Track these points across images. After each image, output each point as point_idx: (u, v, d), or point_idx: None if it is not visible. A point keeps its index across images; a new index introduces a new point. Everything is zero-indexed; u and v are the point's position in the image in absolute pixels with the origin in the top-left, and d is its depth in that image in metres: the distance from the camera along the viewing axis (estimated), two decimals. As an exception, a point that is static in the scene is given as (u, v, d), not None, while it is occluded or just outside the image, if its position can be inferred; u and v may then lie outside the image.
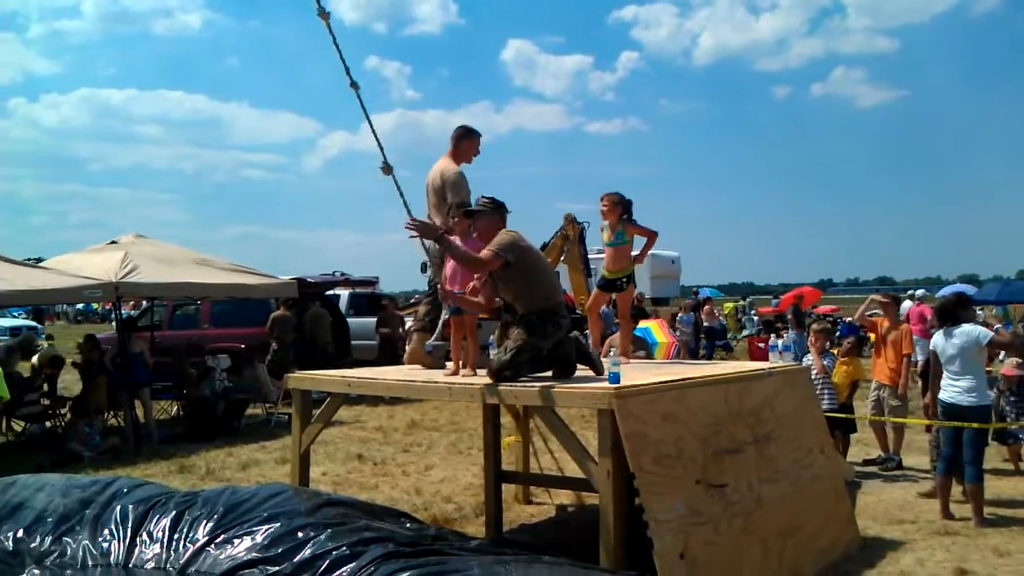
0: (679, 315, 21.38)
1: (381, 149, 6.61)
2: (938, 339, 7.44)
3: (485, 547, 4.89)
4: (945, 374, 7.34)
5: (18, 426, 12.33)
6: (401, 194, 6.46)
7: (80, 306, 46.60)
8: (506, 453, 8.03)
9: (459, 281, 5.99)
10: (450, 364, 6.27)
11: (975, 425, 7.06)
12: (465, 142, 6.98)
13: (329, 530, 4.48)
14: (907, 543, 6.53)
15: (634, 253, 7.05)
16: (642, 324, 14.69)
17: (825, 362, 8.98)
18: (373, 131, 6.55)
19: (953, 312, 7.47)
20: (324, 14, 6.40)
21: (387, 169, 6.70)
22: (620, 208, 6.89)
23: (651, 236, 7.03)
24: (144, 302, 18.97)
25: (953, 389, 7.23)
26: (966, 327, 7.36)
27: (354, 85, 6.55)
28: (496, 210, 5.91)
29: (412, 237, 5.88)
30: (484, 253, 5.47)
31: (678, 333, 19.43)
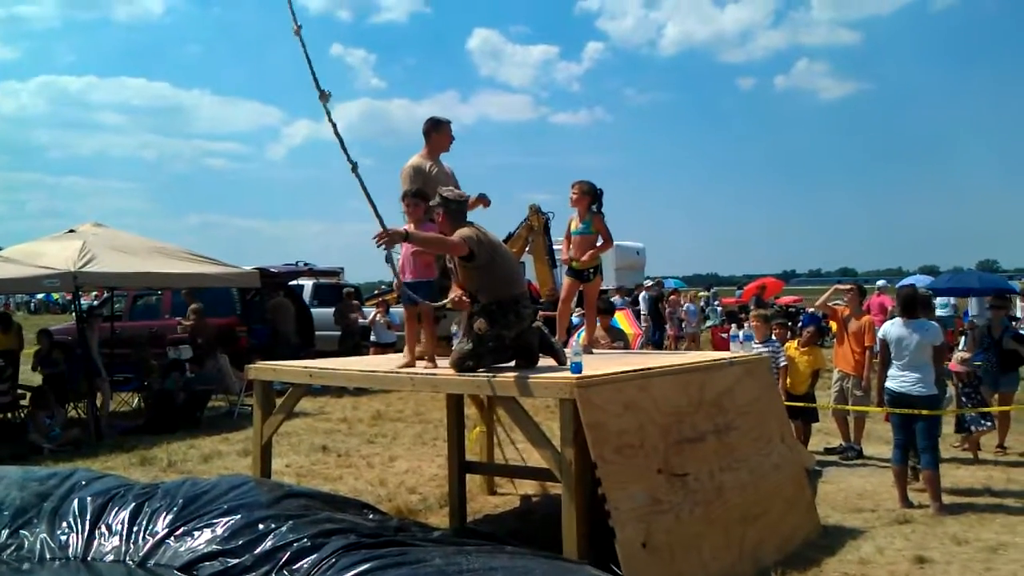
0: (642, 294, 21.52)
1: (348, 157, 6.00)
2: (893, 329, 7.53)
3: (448, 538, 4.90)
4: (894, 364, 7.45)
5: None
6: (372, 203, 5.91)
7: (40, 296, 45.98)
8: (471, 444, 8.03)
9: (410, 271, 5.99)
10: (406, 354, 6.23)
11: (925, 412, 7.18)
12: (434, 134, 6.88)
13: (290, 522, 4.46)
14: (867, 531, 6.62)
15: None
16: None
17: (767, 349, 8.97)
18: (341, 143, 5.81)
19: (916, 305, 7.60)
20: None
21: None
22: (589, 198, 6.88)
23: (608, 242, 7.02)
24: (104, 292, 18.74)
25: (903, 379, 7.35)
26: (926, 322, 7.50)
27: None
28: (455, 208, 5.83)
29: (383, 248, 5.64)
30: (452, 238, 5.45)
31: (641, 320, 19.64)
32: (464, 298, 5.60)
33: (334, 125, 5.35)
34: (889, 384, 7.48)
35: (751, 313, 10.41)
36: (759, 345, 8.93)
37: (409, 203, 6.08)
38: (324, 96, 5.40)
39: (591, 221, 6.88)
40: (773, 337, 9.28)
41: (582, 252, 6.90)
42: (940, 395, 7.67)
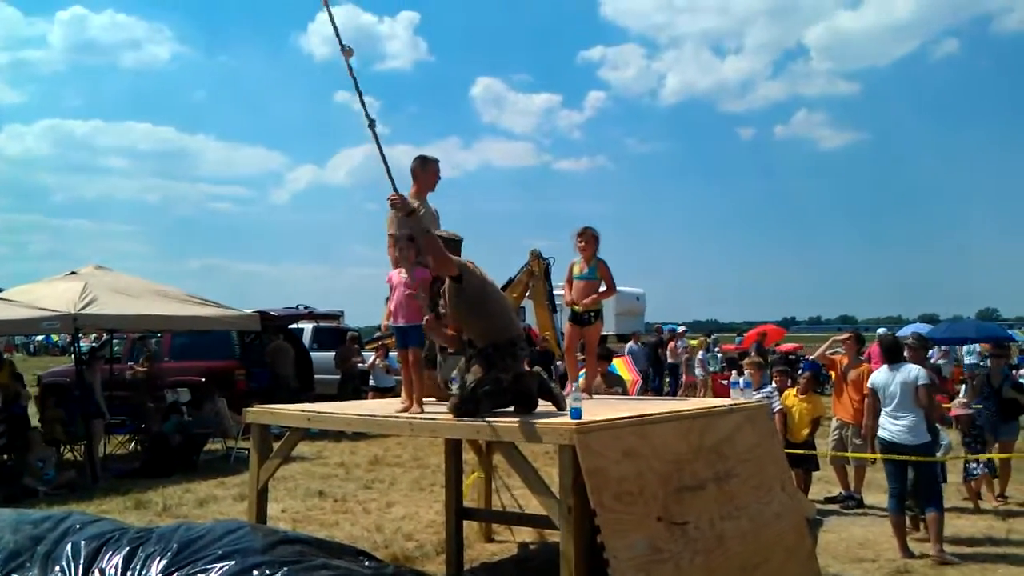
0: (630, 344, 21.59)
1: (393, 186, 6.30)
2: (880, 376, 7.55)
3: (444, 585, 4.84)
4: (884, 412, 7.44)
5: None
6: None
7: (40, 338, 45.79)
8: (469, 490, 7.97)
9: (402, 315, 5.96)
10: (403, 399, 6.20)
11: (915, 459, 7.17)
12: (421, 172, 6.76)
13: (285, 568, 4.39)
14: (867, 581, 6.55)
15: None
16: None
17: (762, 395, 8.94)
18: (385, 163, 6.18)
19: (897, 350, 7.62)
20: (348, 51, 6.15)
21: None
22: (595, 244, 6.93)
23: (611, 289, 7.05)
24: (104, 335, 18.73)
25: (895, 427, 7.34)
26: (907, 366, 7.51)
27: (371, 124, 6.12)
28: (450, 249, 5.88)
29: (392, 206, 5.94)
30: (445, 254, 5.51)
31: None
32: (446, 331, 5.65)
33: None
34: (880, 433, 7.48)
35: (747, 360, 10.39)
36: (754, 391, 8.94)
37: (403, 247, 6.05)
38: (347, 52, 6.02)
39: (596, 267, 6.90)
40: (773, 384, 9.27)
41: (584, 296, 6.92)
42: (933, 442, 7.63)
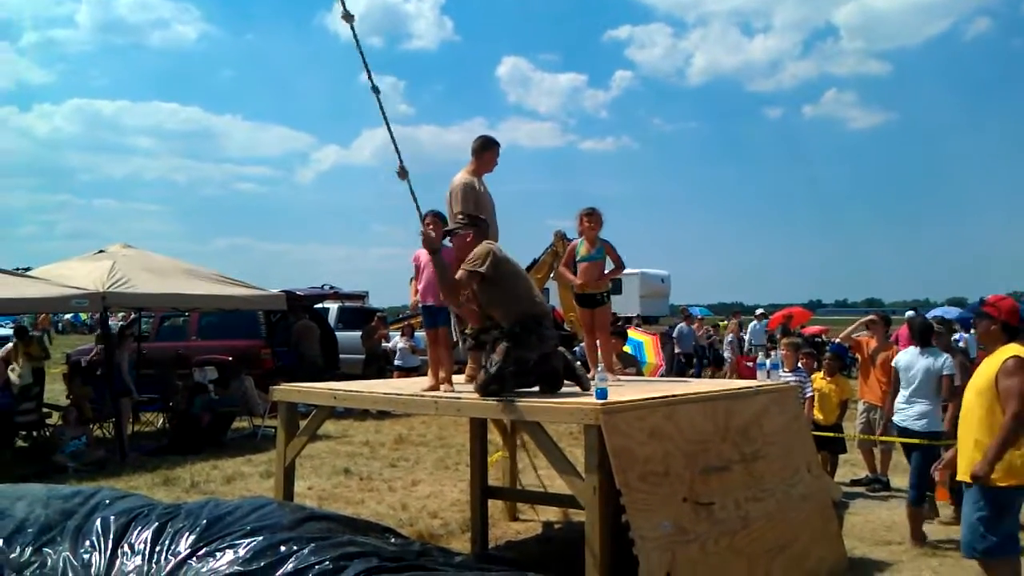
0: (680, 325, 21.50)
1: (398, 153, 6.54)
2: (904, 356, 7.46)
3: (470, 563, 4.85)
4: (901, 392, 7.37)
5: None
6: (415, 198, 6.47)
7: (68, 316, 46.22)
8: (493, 469, 7.99)
9: (432, 294, 6.05)
10: (429, 378, 6.22)
11: (917, 442, 7.10)
12: (485, 153, 6.73)
13: (312, 544, 4.42)
14: (894, 564, 6.52)
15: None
16: (636, 336, 14.68)
17: (795, 379, 8.84)
18: (391, 133, 6.44)
19: (928, 333, 7.53)
20: (349, 16, 6.38)
21: (403, 173, 6.64)
22: (600, 226, 6.88)
23: (619, 266, 7.03)
24: (132, 313, 18.91)
25: (905, 412, 7.27)
26: (936, 352, 7.42)
27: (375, 90, 6.45)
28: (471, 225, 5.90)
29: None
30: (458, 274, 5.53)
31: (678, 349, 19.75)
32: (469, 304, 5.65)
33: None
34: (895, 418, 7.41)
35: (782, 341, 10.24)
36: (788, 374, 8.82)
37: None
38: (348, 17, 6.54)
39: (603, 248, 6.86)
40: (800, 366, 9.18)
41: (592, 277, 6.88)
42: (945, 435, 7.43)
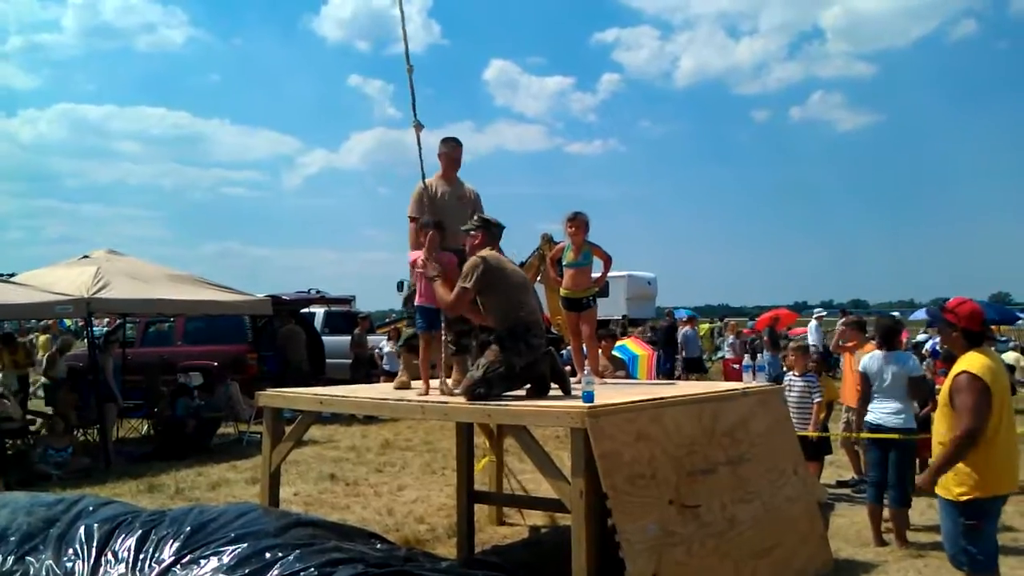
0: (684, 330, 21.32)
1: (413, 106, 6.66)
2: (872, 361, 7.40)
3: (456, 568, 4.83)
4: (874, 397, 7.35)
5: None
6: (420, 154, 6.67)
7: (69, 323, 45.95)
8: (480, 473, 7.98)
9: (421, 294, 6.14)
10: (420, 383, 6.21)
11: (896, 437, 7.08)
12: (439, 156, 6.90)
13: (297, 551, 4.41)
14: (879, 565, 6.54)
15: (594, 275, 7.03)
16: (634, 349, 14.71)
17: (805, 383, 8.84)
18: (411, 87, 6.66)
19: (893, 335, 7.53)
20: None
21: (418, 127, 6.68)
22: (586, 229, 6.86)
23: (608, 260, 7.02)
24: (116, 319, 18.81)
25: (881, 411, 7.26)
26: (903, 354, 7.43)
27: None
28: (483, 228, 5.97)
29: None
30: (455, 291, 5.66)
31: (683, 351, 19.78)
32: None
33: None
34: (868, 417, 7.38)
35: (790, 345, 10.10)
36: (798, 378, 8.76)
37: (425, 231, 6.15)
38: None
39: (589, 252, 6.84)
40: (810, 370, 9.03)
41: (577, 283, 6.86)
42: (920, 430, 7.46)
